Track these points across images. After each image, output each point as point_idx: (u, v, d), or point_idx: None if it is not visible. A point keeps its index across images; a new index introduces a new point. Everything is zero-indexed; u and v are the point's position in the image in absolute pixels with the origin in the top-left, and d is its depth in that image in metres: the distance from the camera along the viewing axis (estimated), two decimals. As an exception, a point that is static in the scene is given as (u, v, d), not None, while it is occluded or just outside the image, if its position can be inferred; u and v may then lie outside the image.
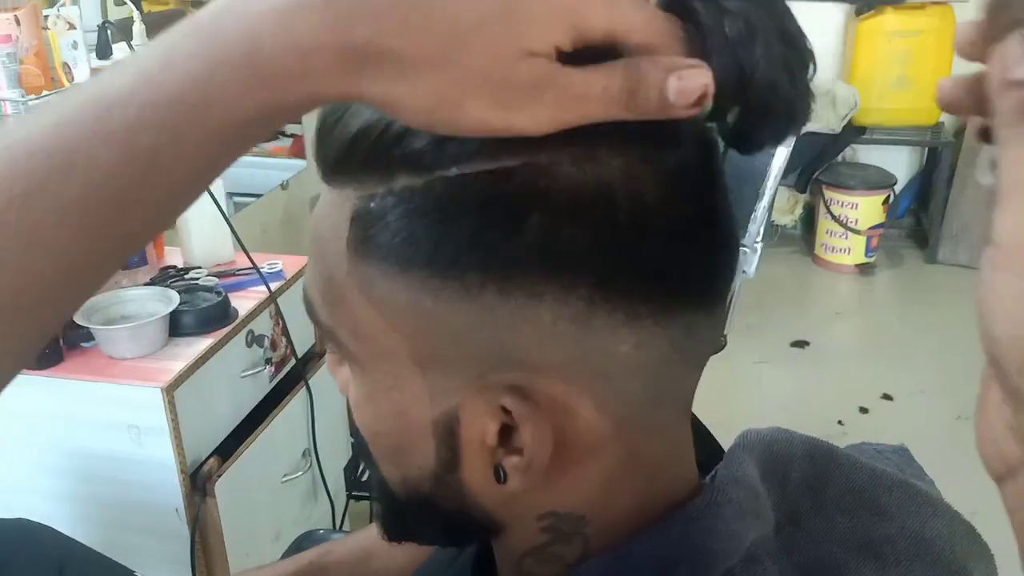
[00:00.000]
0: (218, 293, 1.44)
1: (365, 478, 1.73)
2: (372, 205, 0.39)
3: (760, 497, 0.47)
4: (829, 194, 3.47)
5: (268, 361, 1.50)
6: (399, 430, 0.44)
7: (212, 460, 1.36)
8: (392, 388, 0.42)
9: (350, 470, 1.76)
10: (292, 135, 2.38)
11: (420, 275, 0.38)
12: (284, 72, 0.33)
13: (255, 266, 1.48)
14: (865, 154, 3.66)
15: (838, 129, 3.34)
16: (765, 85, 0.37)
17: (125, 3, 1.88)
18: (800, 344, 2.96)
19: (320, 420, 1.60)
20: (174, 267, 1.57)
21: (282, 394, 1.53)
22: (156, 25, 1.79)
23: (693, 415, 0.60)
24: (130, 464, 1.32)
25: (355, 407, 0.46)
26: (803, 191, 3.55)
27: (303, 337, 1.59)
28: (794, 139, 2.03)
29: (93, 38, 1.74)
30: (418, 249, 0.38)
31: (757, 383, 2.78)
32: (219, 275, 1.53)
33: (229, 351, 1.40)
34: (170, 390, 1.27)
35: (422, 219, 0.38)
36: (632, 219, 0.38)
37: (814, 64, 0.38)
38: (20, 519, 1.07)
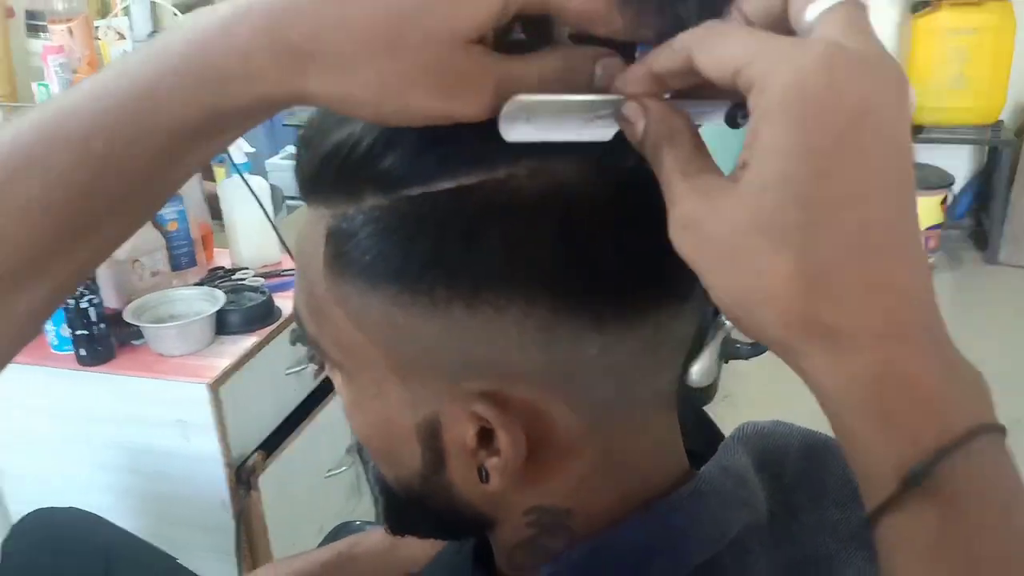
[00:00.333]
0: (263, 293, 1.48)
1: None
2: (343, 225, 0.40)
3: (749, 486, 0.47)
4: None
5: (312, 359, 1.53)
6: (386, 434, 0.45)
7: (257, 455, 1.39)
8: (376, 396, 0.44)
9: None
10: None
11: (390, 291, 0.39)
12: (228, 75, 0.35)
13: (299, 267, 1.51)
14: (923, 153, 3.57)
15: (893, 129, 3.27)
16: None
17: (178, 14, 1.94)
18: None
19: (364, 418, 1.62)
20: (222, 268, 1.61)
21: (326, 391, 1.56)
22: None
23: (702, 410, 0.60)
24: (177, 458, 1.36)
25: (347, 412, 0.47)
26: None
27: (347, 336, 1.61)
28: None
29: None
30: (387, 266, 0.39)
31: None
32: (265, 275, 1.57)
33: (273, 349, 1.43)
34: (216, 386, 1.31)
35: (389, 237, 0.39)
36: (588, 228, 0.38)
37: None
38: (71, 508, 1.12)
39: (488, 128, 0.36)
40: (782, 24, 0.35)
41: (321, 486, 1.54)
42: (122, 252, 1.42)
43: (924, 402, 0.32)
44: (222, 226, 1.66)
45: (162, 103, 0.35)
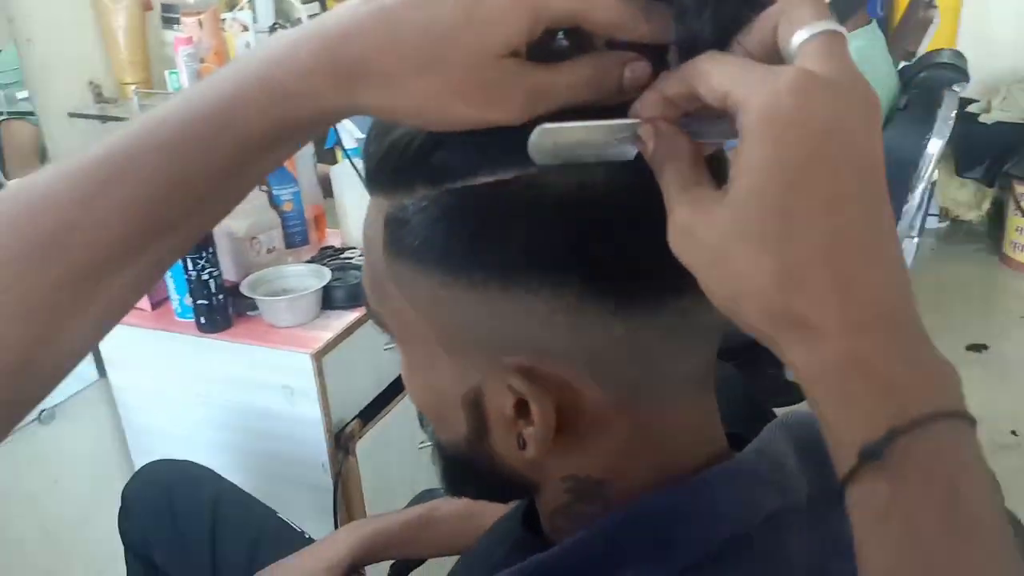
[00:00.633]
0: (367, 271, 1.55)
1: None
2: (398, 213, 0.45)
3: (785, 470, 0.50)
4: (1020, 189, 3.23)
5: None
6: (437, 402, 0.51)
7: (355, 422, 1.47)
8: (429, 367, 0.50)
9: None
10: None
11: (436, 272, 0.45)
12: (291, 92, 0.41)
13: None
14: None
15: (1031, 119, 3.10)
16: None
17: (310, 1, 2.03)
18: (977, 348, 2.78)
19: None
20: (332, 247, 1.70)
21: (423, 367, 1.63)
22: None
23: (756, 399, 0.62)
24: (283, 421, 1.45)
25: (405, 381, 0.54)
26: (991, 185, 3.33)
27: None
28: (950, 127, 1.92)
29: (266, 39, 1.91)
30: (433, 250, 0.44)
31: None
32: (371, 255, 1.64)
33: (373, 325, 1.50)
34: (319, 356, 1.39)
35: (435, 225, 0.44)
36: (611, 221, 0.43)
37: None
38: (186, 460, 1.22)
39: (523, 131, 0.41)
40: (776, 55, 0.39)
41: (413, 454, 1.60)
42: (241, 230, 1.53)
43: (882, 387, 0.36)
44: (334, 207, 1.75)
45: (237, 116, 0.42)
